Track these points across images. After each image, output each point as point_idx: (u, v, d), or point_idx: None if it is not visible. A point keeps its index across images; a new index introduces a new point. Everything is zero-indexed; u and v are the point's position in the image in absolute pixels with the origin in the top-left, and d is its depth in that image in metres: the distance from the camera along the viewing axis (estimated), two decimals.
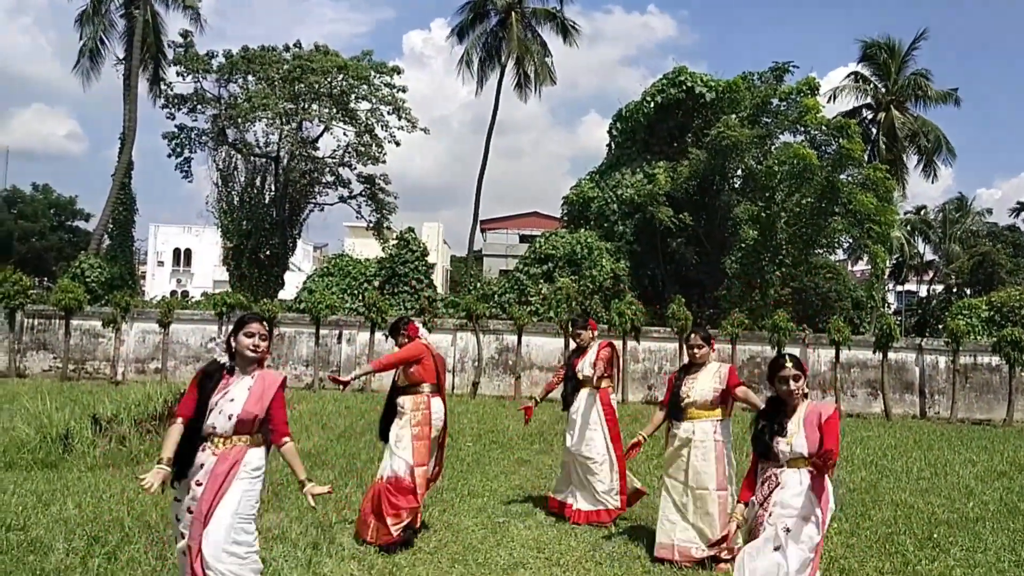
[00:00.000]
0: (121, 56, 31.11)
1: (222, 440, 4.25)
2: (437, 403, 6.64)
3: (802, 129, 25.10)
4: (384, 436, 6.64)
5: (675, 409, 6.30)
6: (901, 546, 6.82)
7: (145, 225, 60.61)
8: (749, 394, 6.21)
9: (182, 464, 4.22)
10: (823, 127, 24.37)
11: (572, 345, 7.78)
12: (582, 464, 7.33)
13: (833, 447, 4.46)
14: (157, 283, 58.26)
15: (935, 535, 7.26)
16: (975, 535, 7.33)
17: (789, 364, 4.73)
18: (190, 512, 4.18)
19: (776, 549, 4.46)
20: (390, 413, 6.65)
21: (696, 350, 6.33)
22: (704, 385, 6.21)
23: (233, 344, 4.37)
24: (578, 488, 7.37)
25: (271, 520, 6.79)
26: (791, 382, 4.73)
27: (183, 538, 4.21)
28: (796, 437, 4.61)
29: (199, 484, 4.19)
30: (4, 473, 8.23)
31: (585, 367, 7.48)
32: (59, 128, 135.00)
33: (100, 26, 30.36)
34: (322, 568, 5.69)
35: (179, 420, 4.31)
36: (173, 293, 50.09)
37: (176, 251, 62.05)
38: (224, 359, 4.38)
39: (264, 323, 4.48)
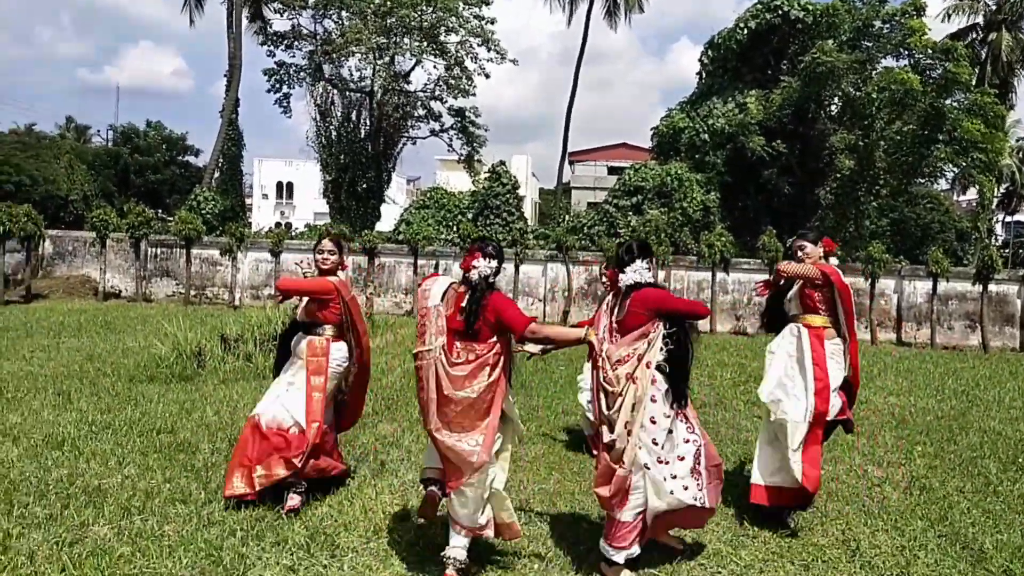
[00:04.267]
0: None
1: None
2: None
3: (905, 53, 24.02)
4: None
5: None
6: (984, 468, 6.98)
7: (250, 160, 62.47)
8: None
9: None
10: (928, 50, 23.28)
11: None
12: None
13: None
14: (263, 215, 60.74)
15: (1020, 459, 7.37)
16: None
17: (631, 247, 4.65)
18: None
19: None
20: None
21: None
22: None
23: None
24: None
25: (386, 429, 7.54)
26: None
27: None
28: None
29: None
30: (147, 386, 9.17)
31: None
32: (166, 66, 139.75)
33: None
34: None
35: None
36: (278, 224, 52.09)
37: (279, 184, 64.20)
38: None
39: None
